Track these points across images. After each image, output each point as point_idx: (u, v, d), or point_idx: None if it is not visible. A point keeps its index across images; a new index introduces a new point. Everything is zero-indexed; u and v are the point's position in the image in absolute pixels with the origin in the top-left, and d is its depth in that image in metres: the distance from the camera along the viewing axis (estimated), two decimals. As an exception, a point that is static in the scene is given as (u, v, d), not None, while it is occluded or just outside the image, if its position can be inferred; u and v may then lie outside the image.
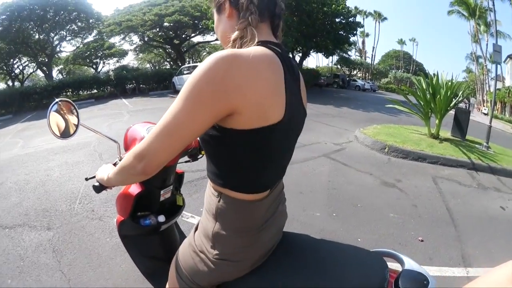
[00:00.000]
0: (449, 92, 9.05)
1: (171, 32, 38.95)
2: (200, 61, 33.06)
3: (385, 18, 72.37)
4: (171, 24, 35.93)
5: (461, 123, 9.80)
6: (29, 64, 43.54)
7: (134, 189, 1.99)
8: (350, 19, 30.98)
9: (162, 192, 2.07)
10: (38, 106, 24.05)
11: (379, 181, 5.90)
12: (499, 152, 8.82)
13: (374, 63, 73.86)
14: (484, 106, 40.83)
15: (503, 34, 44.35)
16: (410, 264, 1.31)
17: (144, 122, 2.09)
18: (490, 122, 9.84)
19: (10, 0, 32.97)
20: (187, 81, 1.02)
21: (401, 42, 78.85)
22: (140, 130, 1.97)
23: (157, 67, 56.33)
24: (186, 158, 2.25)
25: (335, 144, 8.67)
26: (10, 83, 42.27)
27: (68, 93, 27.46)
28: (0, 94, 24.83)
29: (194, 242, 1.36)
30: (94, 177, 1.67)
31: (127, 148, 2.01)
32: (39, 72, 46.12)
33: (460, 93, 10.11)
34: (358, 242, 3.63)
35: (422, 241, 3.90)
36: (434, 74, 9.88)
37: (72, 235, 4.07)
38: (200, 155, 2.24)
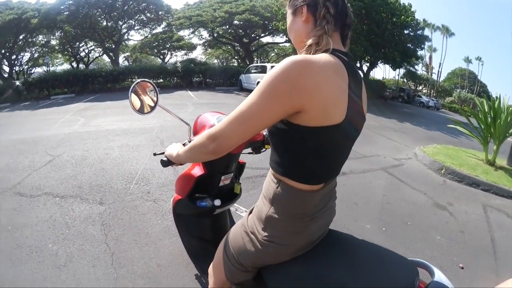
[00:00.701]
0: (509, 118, 8.63)
1: (240, 31, 39.19)
2: (268, 62, 33.67)
3: (453, 34, 70.27)
4: (241, 22, 36.05)
5: (517, 152, 9.31)
6: (95, 49, 45.04)
7: (197, 171, 2.18)
8: (418, 32, 30.28)
9: (222, 177, 2.23)
10: (102, 89, 25.07)
11: (432, 202, 5.82)
12: (553, 189, 8.34)
13: (440, 80, 71.48)
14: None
15: None
16: (440, 277, 1.38)
17: (213, 111, 2.27)
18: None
19: (77, -14, 33.98)
20: (264, 78, 1.17)
21: (467, 60, 75.91)
22: (210, 118, 2.15)
23: (224, 64, 56.66)
24: (249, 150, 2.35)
25: (395, 159, 8.57)
26: (74, 64, 43.82)
27: (133, 80, 28.05)
28: (65, 73, 25.68)
29: (247, 223, 1.51)
30: (162, 153, 1.86)
31: (195, 132, 2.18)
32: (105, 57, 47.57)
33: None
34: None
35: (462, 268, 3.86)
36: (496, 97, 9.43)
37: (124, 213, 4.20)
38: (264, 149, 2.35)
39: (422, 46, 32.93)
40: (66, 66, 45.76)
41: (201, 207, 2.19)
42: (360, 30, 26.40)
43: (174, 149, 1.69)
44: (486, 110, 9.16)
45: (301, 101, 1.14)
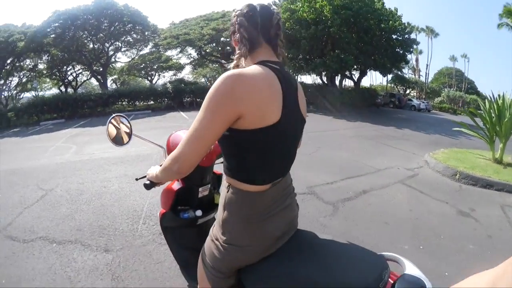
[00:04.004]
0: None
1: (228, 47, 38.66)
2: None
3: (438, 34, 70.41)
4: (228, 39, 35.47)
5: (522, 147, 9.27)
6: (83, 72, 44.58)
7: (176, 185, 2.37)
8: (406, 36, 30.41)
9: (200, 189, 2.40)
10: (92, 113, 24.76)
11: (455, 210, 5.70)
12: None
13: (428, 81, 71.99)
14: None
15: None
16: (412, 269, 1.42)
17: (184, 129, 2.41)
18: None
19: (63, 9, 34.11)
20: (206, 96, 1.34)
21: (453, 59, 76.65)
22: (181, 135, 2.37)
23: (212, 82, 56.29)
24: (221, 160, 2.22)
25: (407, 169, 8.49)
26: (63, 89, 43.12)
27: (123, 103, 28.17)
28: (54, 98, 25.48)
29: (212, 231, 1.62)
30: (144, 177, 2.04)
31: (170, 152, 2.07)
32: (93, 80, 47.31)
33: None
34: (445, 276, 3.59)
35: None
36: (499, 95, 9.49)
37: (137, 262, 3.61)
38: None
39: (411, 49, 32.87)
40: (55, 90, 45.04)
41: (184, 218, 2.34)
42: (350, 39, 26.70)
43: (154, 171, 1.81)
44: (488, 108, 9.32)
45: (239, 108, 1.29)
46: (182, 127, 8.76)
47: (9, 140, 15.29)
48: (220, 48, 39.24)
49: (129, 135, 2.21)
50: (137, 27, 38.35)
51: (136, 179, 2.19)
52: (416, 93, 66.56)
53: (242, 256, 1.49)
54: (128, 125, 2.21)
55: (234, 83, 1.30)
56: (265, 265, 1.48)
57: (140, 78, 54.49)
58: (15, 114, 23.84)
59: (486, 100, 9.86)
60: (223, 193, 1.54)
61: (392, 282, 1.38)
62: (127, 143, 2.20)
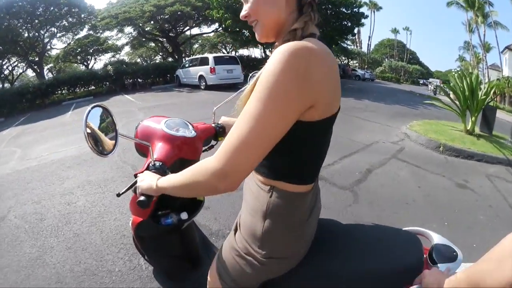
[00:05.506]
0: (488, 90, 9.67)
1: (167, 25, 37.85)
2: (193, 54, 32.62)
3: (380, 8, 72.79)
4: (167, 16, 34.70)
5: (488, 119, 10.11)
6: (19, 64, 42.35)
7: None
8: (354, 9, 30.81)
9: None
10: (32, 107, 22.77)
11: (454, 183, 5.88)
12: (522, 146, 9.19)
13: (370, 52, 74.80)
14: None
15: (501, 25, 46.92)
16: (440, 239, 1.39)
17: (154, 116, 1.99)
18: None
19: (-1, -5, 31.86)
20: (265, 79, 0.97)
21: (395, 31, 79.68)
22: (155, 125, 1.84)
23: (148, 62, 55.49)
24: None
25: (392, 143, 8.50)
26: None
27: (63, 91, 26.53)
28: (-9, 95, 23.43)
29: (237, 245, 1.31)
30: (129, 188, 1.56)
31: (142, 148, 1.82)
32: (29, 72, 45.35)
33: (492, 91, 10.26)
34: (474, 247, 3.65)
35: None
36: (470, 73, 10.38)
37: None
38: (215, 142, 2.13)
39: (360, 22, 33.12)
40: (-9, 87, 43.21)
41: (168, 225, 1.82)
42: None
43: (151, 181, 1.33)
44: (460, 85, 10.12)
45: (314, 95, 1.00)
46: (134, 111, 7.92)
47: None
48: (158, 26, 38.10)
49: (114, 135, 1.46)
50: (73, 9, 36.34)
51: (118, 195, 1.59)
52: (358, 63, 68.83)
53: (281, 267, 1.27)
54: (111, 119, 1.47)
55: (309, 61, 0.96)
56: (301, 269, 1.30)
57: (76, 64, 52.59)
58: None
59: (456, 75, 10.68)
60: (262, 199, 1.21)
61: (426, 255, 1.33)
62: (112, 150, 1.42)
